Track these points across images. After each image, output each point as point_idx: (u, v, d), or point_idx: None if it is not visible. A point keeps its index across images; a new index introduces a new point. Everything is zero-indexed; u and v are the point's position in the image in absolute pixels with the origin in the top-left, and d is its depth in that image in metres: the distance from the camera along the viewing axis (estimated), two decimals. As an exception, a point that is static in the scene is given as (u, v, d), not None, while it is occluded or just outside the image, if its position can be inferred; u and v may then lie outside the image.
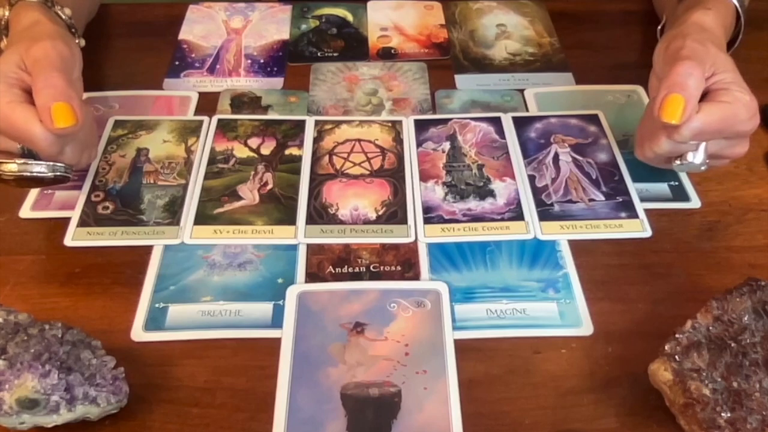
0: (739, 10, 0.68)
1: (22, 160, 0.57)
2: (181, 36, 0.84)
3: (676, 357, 0.47)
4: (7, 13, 0.64)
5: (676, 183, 0.66)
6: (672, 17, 0.69)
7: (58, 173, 0.58)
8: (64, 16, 0.66)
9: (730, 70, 0.58)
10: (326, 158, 0.68)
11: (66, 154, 0.58)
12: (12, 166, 0.57)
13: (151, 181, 0.66)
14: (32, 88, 0.56)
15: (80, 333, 0.49)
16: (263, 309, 0.56)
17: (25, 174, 0.57)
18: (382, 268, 0.59)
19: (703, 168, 0.59)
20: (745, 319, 0.49)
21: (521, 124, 0.72)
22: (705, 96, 0.56)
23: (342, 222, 0.62)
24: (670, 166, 0.61)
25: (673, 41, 0.59)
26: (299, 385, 0.51)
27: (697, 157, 0.58)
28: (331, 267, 0.59)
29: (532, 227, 0.62)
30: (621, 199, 0.64)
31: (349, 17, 0.87)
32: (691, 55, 0.56)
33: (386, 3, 0.89)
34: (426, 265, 0.59)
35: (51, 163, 0.58)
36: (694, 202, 0.64)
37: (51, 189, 0.64)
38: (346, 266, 0.59)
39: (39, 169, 0.57)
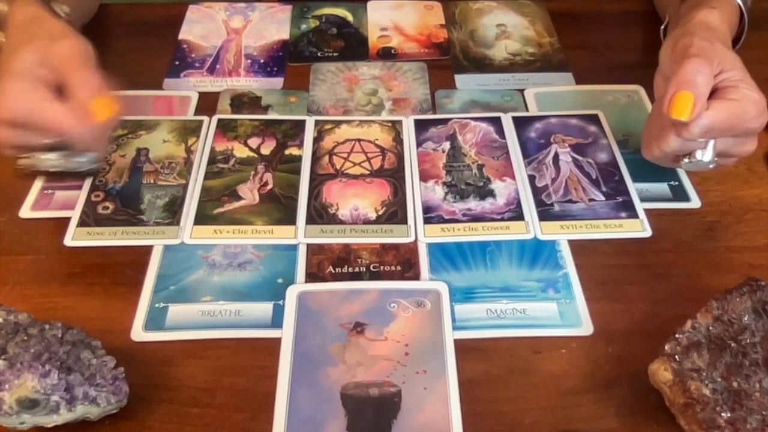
0: (743, 8, 0.68)
1: (61, 153, 0.59)
2: (181, 36, 0.84)
3: (676, 357, 0.47)
4: (5, 8, 0.64)
5: (676, 183, 0.66)
6: (675, 17, 0.68)
7: (95, 164, 0.61)
8: (62, 14, 0.66)
9: (738, 68, 0.58)
10: (326, 158, 0.68)
11: (97, 146, 0.60)
12: (53, 160, 0.59)
13: (151, 181, 0.66)
14: (66, 86, 0.57)
15: (80, 333, 0.49)
16: (263, 309, 0.56)
17: (67, 166, 0.59)
18: (382, 268, 0.59)
19: (711, 166, 0.59)
20: (745, 319, 0.49)
21: (521, 124, 0.72)
22: (713, 94, 0.56)
23: (342, 222, 0.62)
24: (678, 165, 0.61)
25: (680, 40, 0.59)
26: (299, 385, 0.51)
27: (706, 155, 0.58)
28: (331, 267, 0.59)
29: (532, 227, 0.62)
30: (621, 199, 0.64)
31: (349, 17, 0.87)
32: (699, 53, 0.56)
33: (386, 3, 0.89)
34: (426, 265, 0.59)
35: (91, 155, 0.60)
36: (694, 202, 0.64)
37: (51, 189, 0.64)
38: (346, 266, 0.59)
39: (80, 159, 0.59)
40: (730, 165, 0.64)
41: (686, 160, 0.59)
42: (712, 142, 0.58)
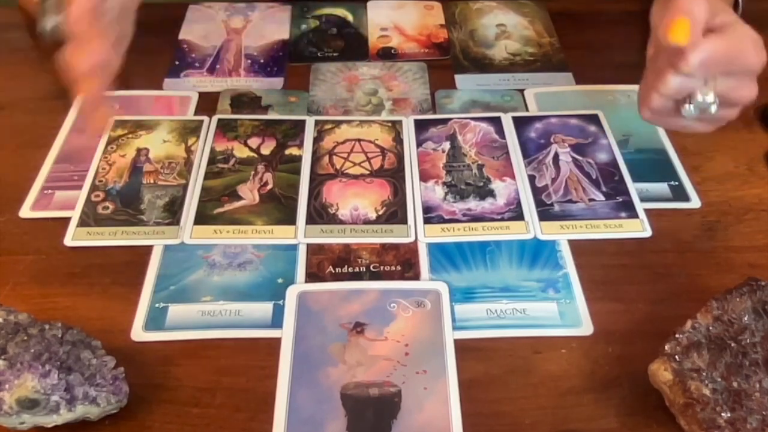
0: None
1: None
2: (181, 36, 0.84)
3: (676, 357, 0.47)
4: None
5: (676, 183, 0.66)
6: None
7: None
8: None
9: (731, 14, 0.56)
10: (326, 158, 0.68)
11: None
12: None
13: (151, 181, 0.66)
14: None
15: (80, 333, 0.49)
16: (263, 309, 0.56)
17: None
18: (382, 268, 0.59)
19: (714, 108, 0.55)
20: (745, 319, 0.49)
21: (521, 124, 0.72)
22: (709, 34, 0.53)
23: (342, 222, 0.62)
24: (679, 119, 0.57)
25: None
26: (299, 385, 0.51)
27: (707, 96, 0.54)
28: (331, 267, 0.59)
29: (532, 227, 0.62)
30: (621, 199, 0.64)
31: (349, 17, 0.87)
32: None
33: (386, 3, 0.89)
34: (426, 265, 0.59)
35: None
36: (694, 202, 0.64)
37: (51, 189, 0.64)
38: (346, 266, 0.59)
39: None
40: (732, 117, 0.59)
41: (687, 105, 0.56)
42: (711, 82, 0.55)
